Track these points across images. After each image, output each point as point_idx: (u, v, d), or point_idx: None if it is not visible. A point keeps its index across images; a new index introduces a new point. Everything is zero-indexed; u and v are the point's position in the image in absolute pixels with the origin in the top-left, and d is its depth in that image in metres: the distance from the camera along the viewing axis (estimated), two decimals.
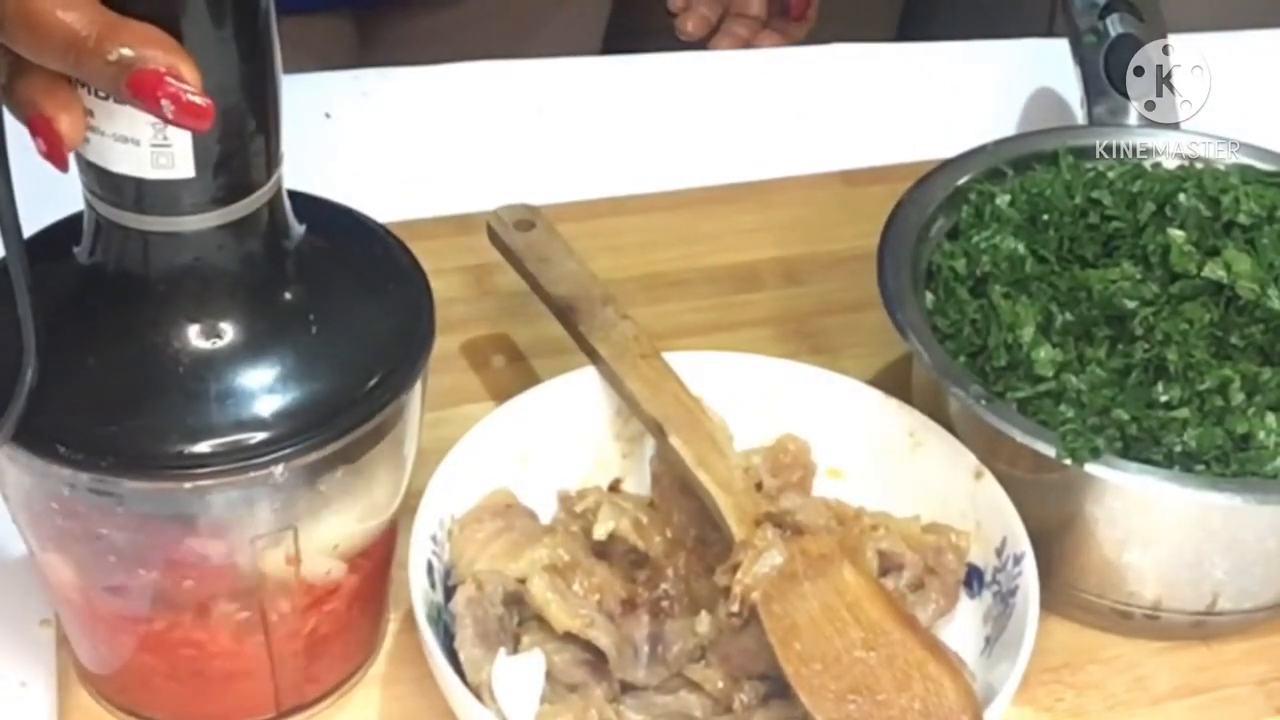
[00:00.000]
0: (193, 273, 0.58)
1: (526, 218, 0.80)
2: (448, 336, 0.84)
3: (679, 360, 0.75)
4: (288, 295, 0.61)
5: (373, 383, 0.60)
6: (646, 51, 1.07)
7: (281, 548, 0.61)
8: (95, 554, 0.61)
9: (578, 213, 0.89)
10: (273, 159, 0.58)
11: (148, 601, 0.62)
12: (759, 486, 0.73)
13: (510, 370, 0.84)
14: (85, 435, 0.57)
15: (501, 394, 0.77)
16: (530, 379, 0.78)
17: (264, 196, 0.58)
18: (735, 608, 0.66)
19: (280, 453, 0.58)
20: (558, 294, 0.77)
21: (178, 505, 0.59)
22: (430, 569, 0.68)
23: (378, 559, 0.67)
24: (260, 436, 0.58)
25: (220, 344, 0.59)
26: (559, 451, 0.74)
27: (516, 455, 0.73)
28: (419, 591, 0.66)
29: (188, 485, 0.58)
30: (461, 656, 0.66)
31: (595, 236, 0.85)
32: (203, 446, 0.57)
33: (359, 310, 0.62)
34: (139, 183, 0.56)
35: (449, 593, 0.69)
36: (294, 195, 0.61)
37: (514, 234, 0.79)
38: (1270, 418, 0.69)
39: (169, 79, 0.52)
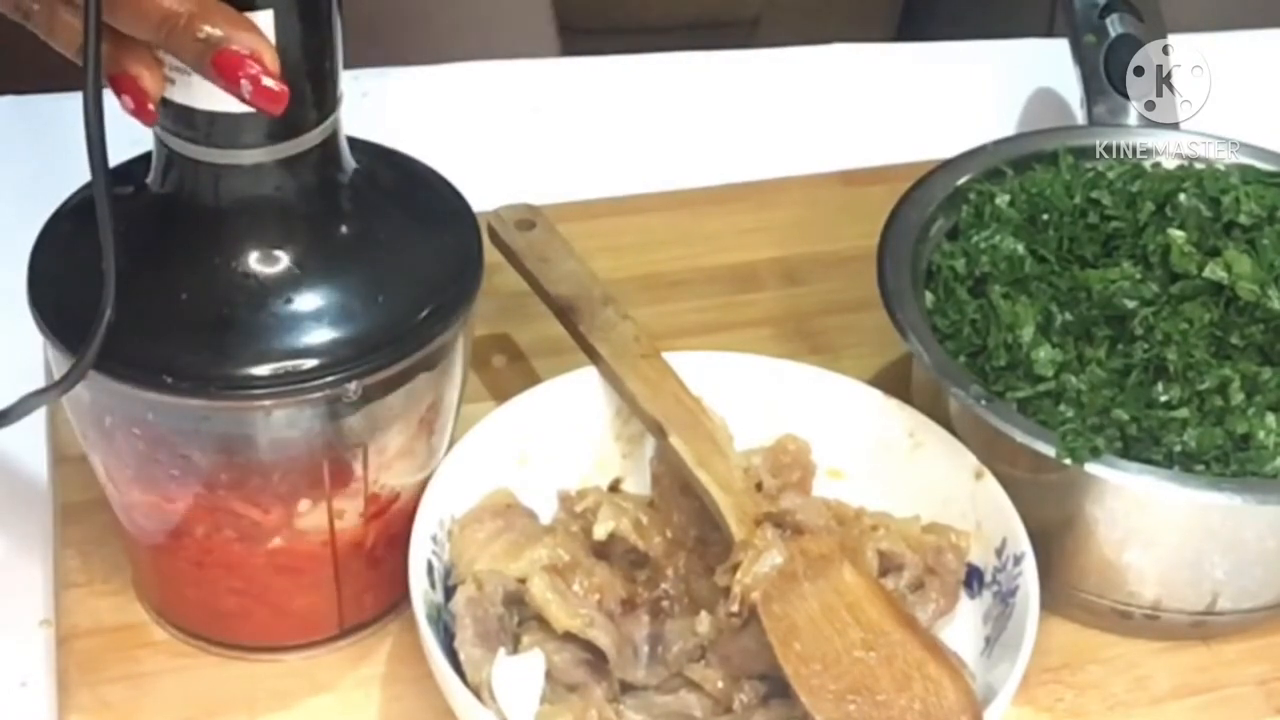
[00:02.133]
0: (258, 204, 0.62)
1: (527, 217, 0.80)
2: None
3: (679, 360, 0.75)
4: (345, 228, 0.65)
5: (425, 312, 0.64)
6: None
7: (354, 463, 0.65)
8: (179, 477, 0.64)
9: (577, 213, 0.89)
10: (328, 101, 0.63)
11: (225, 516, 0.65)
12: (759, 487, 0.73)
13: (510, 370, 0.84)
14: (167, 360, 0.61)
15: (501, 394, 0.77)
16: (530, 379, 0.78)
17: (319, 136, 0.62)
18: (735, 608, 0.66)
19: (351, 371, 0.62)
20: (558, 294, 0.77)
21: (256, 425, 0.62)
22: (430, 569, 0.68)
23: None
24: (329, 358, 0.62)
25: (284, 271, 0.63)
26: (559, 451, 0.74)
27: (516, 455, 0.73)
28: (419, 591, 0.66)
29: (268, 403, 0.62)
30: (461, 656, 0.66)
31: (595, 236, 0.85)
32: (271, 369, 0.61)
33: (412, 245, 0.66)
34: (212, 119, 0.60)
35: (449, 593, 0.69)
36: (354, 141, 0.66)
37: (515, 233, 0.79)
38: (1270, 418, 0.69)
39: (250, 62, 0.57)
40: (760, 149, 1.00)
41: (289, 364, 0.61)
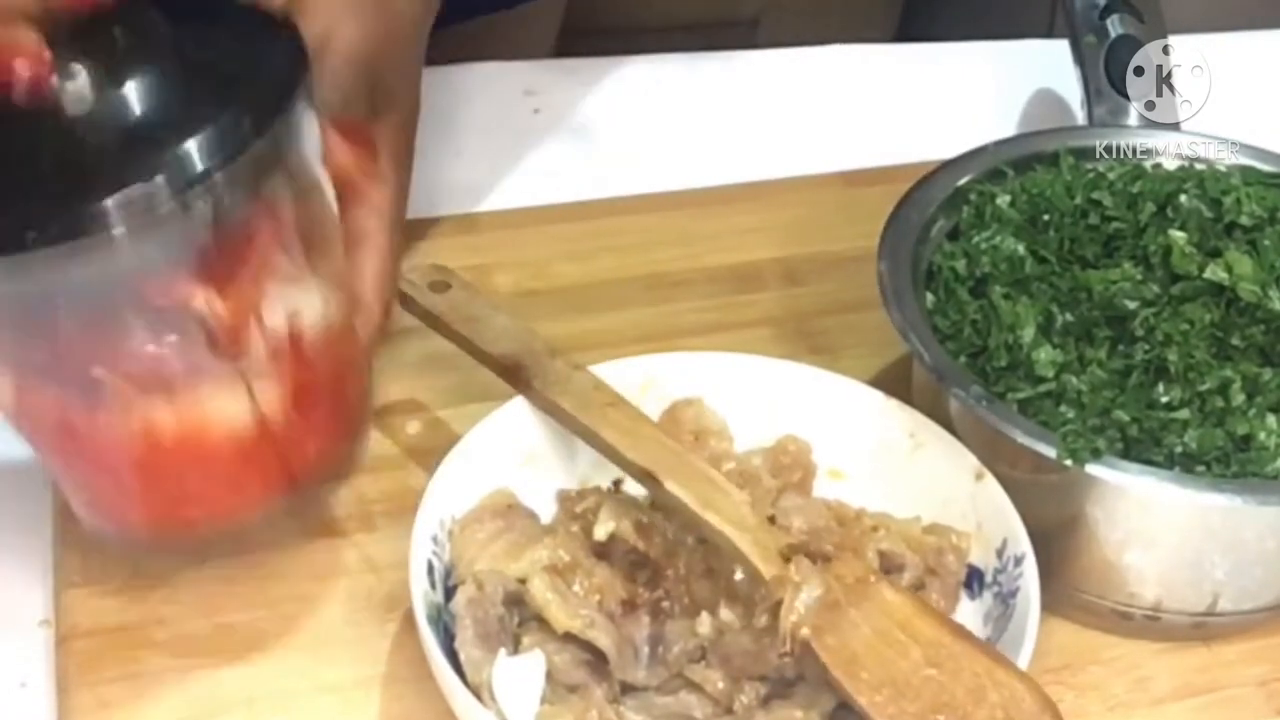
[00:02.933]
0: None
1: (440, 278, 0.76)
2: None
3: (679, 360, 0.75)
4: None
5: (240, 111, 0.60)
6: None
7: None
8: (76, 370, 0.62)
9: (578, 213, 0.89)
10: None
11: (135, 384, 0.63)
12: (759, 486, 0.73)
13: None
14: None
15: (502, 394, 0.77)
16: None
17: None
18: (786, 646, 0.64)
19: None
20: (499, 353, 0.73)
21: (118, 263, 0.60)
22: (431, 569, 0.68)
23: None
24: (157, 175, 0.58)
25: (81, 104, 0.60)
26: (559, 451, 0.74)
27: (517, 455, 0.73)
28: (419, 592, 0.66)
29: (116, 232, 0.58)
30: (462, 657, 0.66)
31: (595, 236, 0.85)
32: (111, 200, 0.58)
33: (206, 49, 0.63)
34: None
35: (449, 593, 0.69)
36: None
37: (431, 296, 0.75)
38: (1271, 419, 0.69)
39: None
40: (760, 149, 1.00)
41: (115, 197, 0.58)
